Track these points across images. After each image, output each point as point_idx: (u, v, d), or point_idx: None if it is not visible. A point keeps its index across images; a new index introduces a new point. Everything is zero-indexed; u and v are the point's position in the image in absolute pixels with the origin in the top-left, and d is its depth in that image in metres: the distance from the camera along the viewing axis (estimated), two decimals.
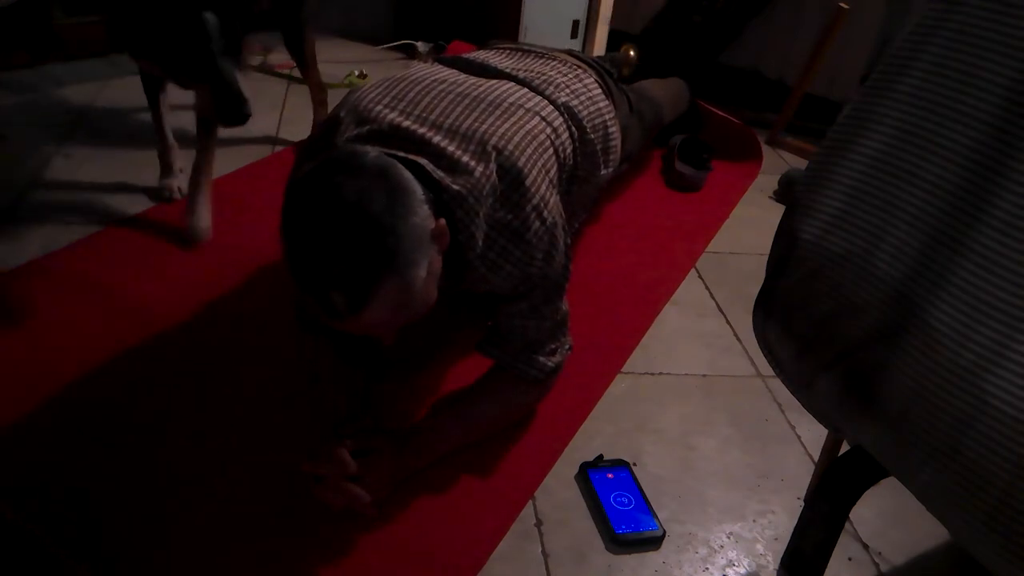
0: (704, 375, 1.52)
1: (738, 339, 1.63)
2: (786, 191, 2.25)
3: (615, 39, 2.97)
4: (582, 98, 1.44)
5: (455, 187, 1.09)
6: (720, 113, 2.41)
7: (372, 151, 1.03)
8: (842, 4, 2.33)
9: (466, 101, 1.22)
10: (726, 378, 1.52)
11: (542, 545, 1.13)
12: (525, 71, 1.42)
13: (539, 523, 1.17)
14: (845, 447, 1.02)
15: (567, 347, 1.29)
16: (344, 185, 0.95)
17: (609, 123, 1.51)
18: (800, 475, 1.30)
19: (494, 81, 1.32)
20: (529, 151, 1.19)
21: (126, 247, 1.67)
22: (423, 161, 1.08)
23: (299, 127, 2.29)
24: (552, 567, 1.10)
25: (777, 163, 2.48)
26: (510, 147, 1.16)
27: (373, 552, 1.08)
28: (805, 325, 0.83)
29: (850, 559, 1.17)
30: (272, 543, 1.08)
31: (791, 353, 0.87)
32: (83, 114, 2.24)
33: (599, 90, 1.52)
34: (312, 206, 0.97)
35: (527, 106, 1.26)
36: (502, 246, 1.14)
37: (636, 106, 1.77)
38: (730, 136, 2.38)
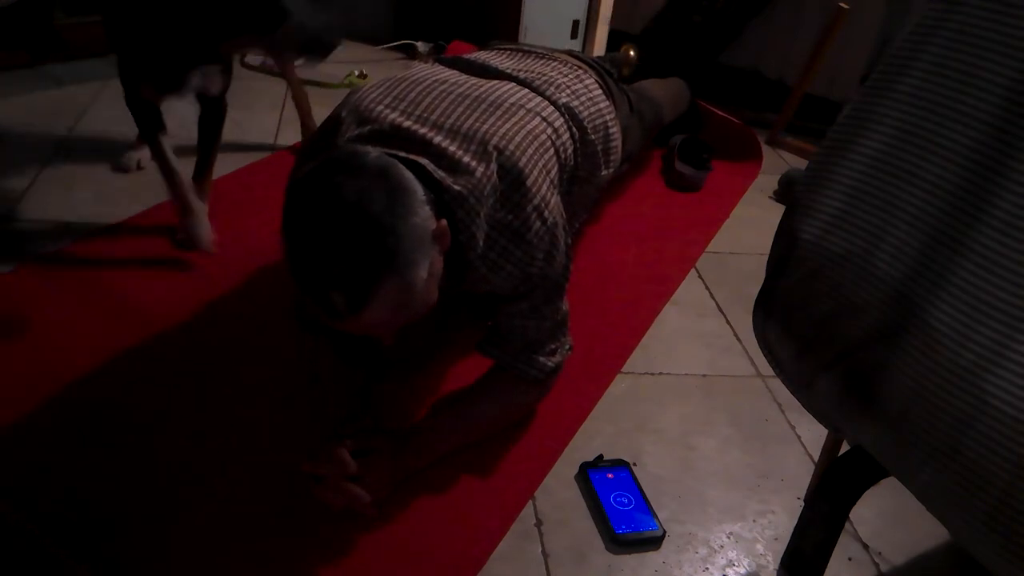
0: (704, 375, 1.52)
1: (738, 339, 1.63)
2: (786, 191, 2.25)
3: (615, 39, 2.97)
4: (583, 99, 1.44)
5: (456, 187, 1.09)
6: (720, 113, 2.41)
7: (373, 151, 1.03)
8: (842, 4, 2.33)
9: (467, 102, 1.22)
10: (726, 378, 1.52)
11: (542, 545, 1.13)
12: (526, 72, 1.42)
13: (539, 523, 1.17)
14: (845, 447, 1.02)
15: (567, 347, 1.29)
16: (344, 185, 0.95)
17: (610, 123, 1.51)
18: (800, 475, 1.30)
19: (495, 82, 1.32)
20: (530, 151, 1.19)
21: (126, 247, 1.67)
22: (424, 161, 1.08)
23: (298, 127, 2.29)
24: (552, 567, 1.10)
25: (777, 163, 2.48)
26: (511, 147, 1.16)
27: (373, 552, 1.08)
28: (805, 325, 0.83)
29: (850, 559, 1.17)
30: (272, 543, 1.08)
31: (791, 353, 0.87)
32: (83, 114, 2.24)
33: (600, 91, 1.52)
34: (312, 206, 0.97)
35: (528, 107, 1.26)
36: (503, 246, 1.14)
37: (636, 106, 1.77)
38: (730, 136, 2.38)
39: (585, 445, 1.31)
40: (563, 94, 1.40)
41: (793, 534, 0.95)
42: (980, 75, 0.67)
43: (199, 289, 1.56)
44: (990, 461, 0.65)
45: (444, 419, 1.25)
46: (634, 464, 1.28)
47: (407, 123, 1.16)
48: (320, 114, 1.33)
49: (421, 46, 2.97)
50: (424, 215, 1.00)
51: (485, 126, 1.17)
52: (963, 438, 0.67)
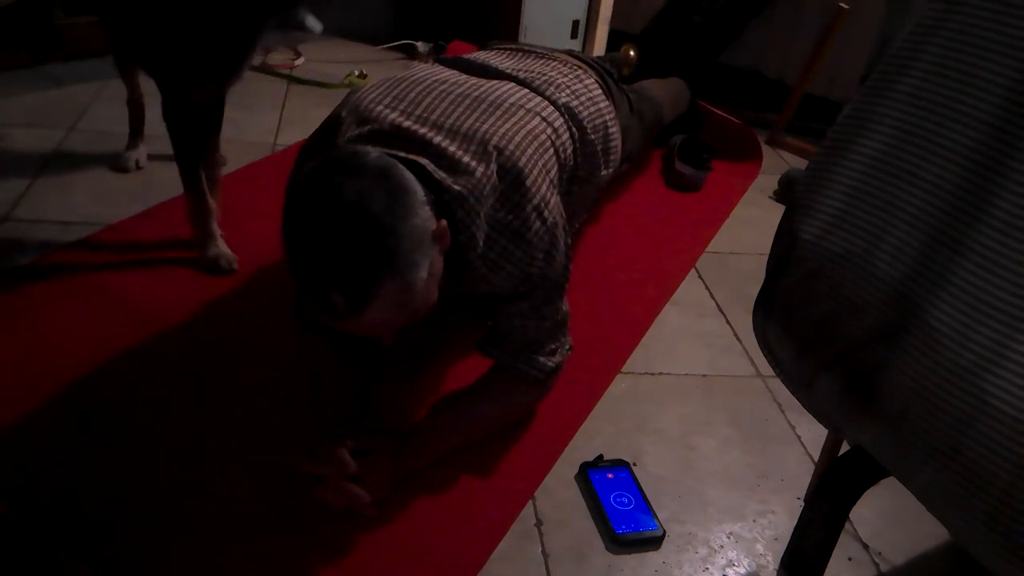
0: (704, 375, 1.52)
1: (738, 339, 1.63)
2: (786, 191, 2.25)
3: (615, 39, 2.97)
4: (582, 99, 1.44)
5: (456, 187, 1.09)
6: (720, 113, 2.41)
7: (373, 151, 1.03)
8: (842, 4, 2.33)
9: (467, 102, 1.22)
10: (726, 378, 1.52)
11: (542, 545, 1.13)
12: (526, 72, 1.42)
13: (539, 523, 1.17)
14: (845, 447, 1.02)
15: (567, 347, 1.29)
16: (344, 185, 0.95)
17: (609, 123, 1.51)
18: (800, 475, 1.30)
19: (495, 82, 1.32)
20: (530, 151, 1.19)
21: (126, 247, 1.67)
22: (424, 161, 1.08)
23: (299, 127, 2.29)
24: (552, 567, 1.10)
25: (777, 163, 2.48)
26: (511, 147, 1.16)
27: (373, 552, 1.08)
28: (805, 325, 0.83)
29: (850, 559, 1.17)
30: (272, 543, 1.08)
31: (791, 353, 0.87)
32: (83, 114, 2.24)
33: (599, 91, 1.52)
34: (313, 206, 0.97)
35: (528, 107, 1.26)
36: (503, 246, 1.14)
37: (636, 106, 1.77)
38: (730, 136, 2.38)
39: (585, 445, 1.31)
40: (563, 94, 1.40)
41: (793, 534, 0.95)
42: (980, 75, 0.67)
43: (199, 289, 1.56)
44: (990, 461, 0.65)
45: (444, 419, 1.25)
46: (634, 464, 1.28)
47: (407, 123, 1.16)
48: (320, 114, 1.33)
49: (421, 46, 2.96)
50: (424, 215, 1.00)
51: (485, 126, 1.17)
52: (963, 438, 0.67)
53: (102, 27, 1.86)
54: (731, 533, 1.19)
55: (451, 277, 1.13)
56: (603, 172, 1.53)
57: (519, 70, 1.43)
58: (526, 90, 1.32)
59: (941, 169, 0.70)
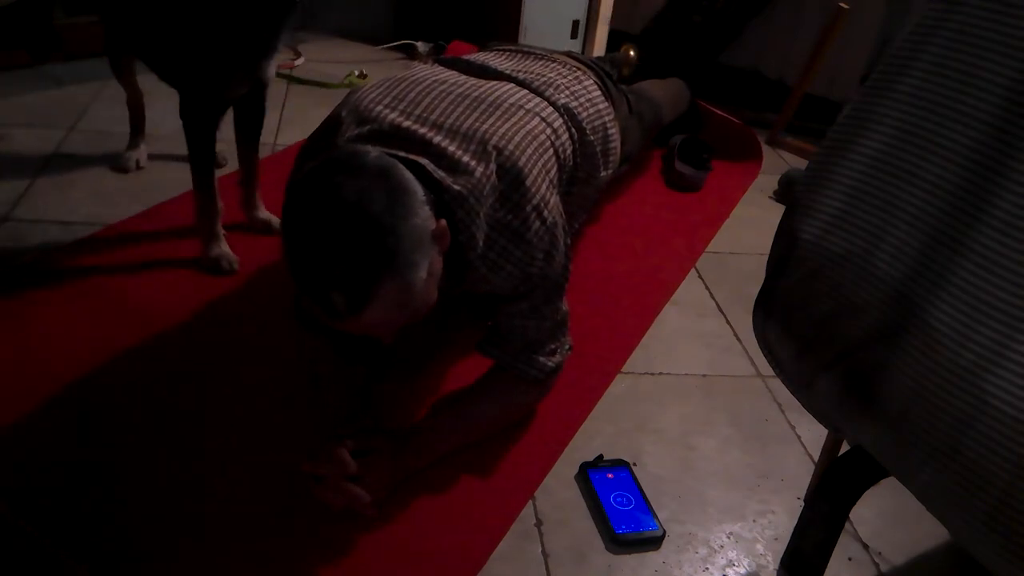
0: (704, 375, 1.52)
1: (738, 339, 1.63)
2: (786, 191, 2.25)
3: (615, 39, 2.97)
4: (582, 100, 1.44)
5: (456, 187, 1.09)
6: (720, 113, 2.41)
7: (373, 151, 1.03)
8: (842, 4, 2.33)
9: (467, 102, 1.22)
10: (726, 378, 1.52)
11: (542, 545, 1.13)
12: (525, 72, 1.43)
13: (539, 523, 1.17)
14: (845, 447, 1.02)
15: (567, 347, 1.29)
16: (344, 185, 0.95)
17: (609, 124, 1.51)
18: (800, 475, 1.30)
19: (494, 82, 1.32)
20: (529, 151, 1.19)
21: (126, 247, 1.67)
22: (424, 161, 1.08)
23: (299, 127, 2.29)
24: (552, 567, 1.10)
25: (777, 163, 2.48)
26: (510, 147, 1.16)
27: (373, 552, 1.08)
28: (805, 325, 0.83)
29: (850, 559, 1.17)
30: (272, 543, 1.08)
31: (791, 353, 0.87)
32: (84, 114, 2.24)
33: (599, 92, 1.52)
34: (312, 206, 0.97)
35: (527, 107, 1.26)
36: (502, 246, 1.14)
37: (635, 107, 1.77)
38: (730, 136, 2.38)
39: (585, 445, 1.31)
40: (562, 95, 1.40)
41: (793, 534, 0.95)
42: (980, 75, 0.67)
43: (199, 289, 1.56)
44: (990, 461, 0.65)
45: (444, 419, 1.25)
46: (634, 464, 1.28)
47: (407, 123, 1.16)
48: (320, 114, 1.33)
49: (421, 46, 2.97)
50: (424, 215, 1.00)
51: (484, 126, 1.17)
52: (963, 438, 0.67)
53: (103, 28, 1.87)
54: (731, 533, 1.19)
55: (451, 277, 1.13)
56: (602, 173, 1.53)
57: (518, 71, 1.43)
58: (525, 91, 1.32)
59: (941, 169, 0.70)
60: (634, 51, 2.66)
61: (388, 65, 2.87)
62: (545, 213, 1.17)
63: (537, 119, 1.26)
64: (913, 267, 0.71)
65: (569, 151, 1.35)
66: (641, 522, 1.17)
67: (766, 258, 0.89)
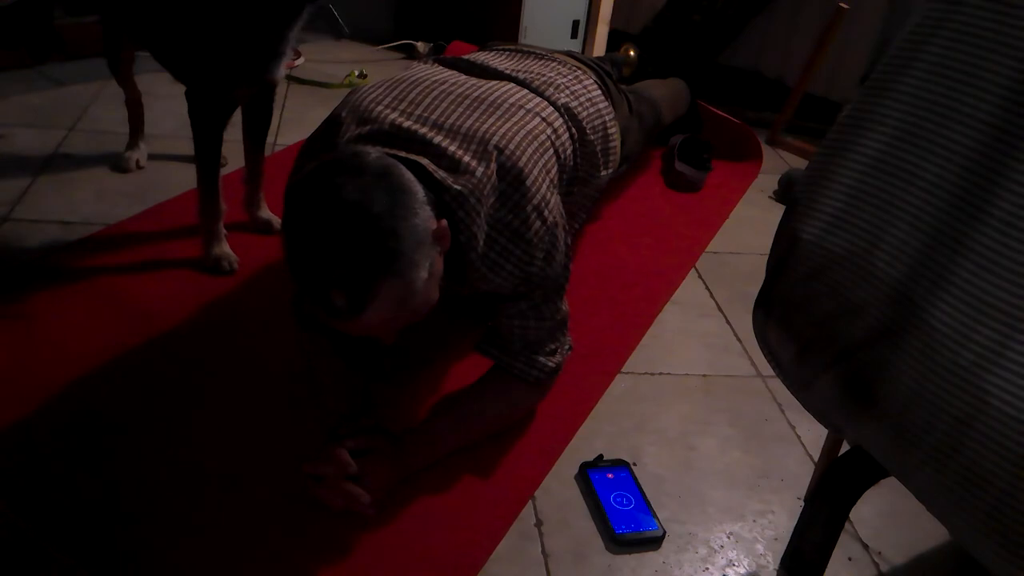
0: (704, 375, 1.52)
1: (738, 339, 1.63)
2: (786, 191, 2.25)
3: (615, 39, 2.98)
4: (582, 99, 1.44)
5: (456, 187, 1.09)
6: (720, 113, 2.41)
7: (374, 151, 1.03)
8: (842, 4, 2.33)
9: (467, 102, 1.22)
10: (726, 378, 1.52)
11: (542, 545, 1.13)
12: (525, 72, 1.43)
13: (539, 523, 1.17)
14: (845, 447, 1.02)
15: (567, 347, 1.29)
16: (345, 185, 0.95)
17: (609, 124, 1.51)
18: (800, 475, 1.30)
19: (494, 82, 1.32)
20: (530, 151, 1.19)
21: (126, 247, 1.67)
22: (424, 161, 1.08)
23: (299, 127, 2.29)
24: (552, 567, 1.10)
25: (777, 163, 2.48)
26: (511, 147, 1.16)
27: (373, 552, 1.08)
28: (805, 325, 0.83)
29: (850, 559, 1.17)
30: (272, 543, 1.08)
31: (791, 353, 0.87)
32: (83, 114, 2.24)
33: (599, 92, 1.52)
34: (313, 206, 0.97)
35: (528, 107, 1.26)
36: (503, 246, 1.14)
37: (635, 108, 1.77)
38: (730, 136, 2.38)
39: (585, 445, 1.31)
40: (562, 95, 1.40)
41: (793, 534, 0.95)
42: (980, 75, 0.67)
43: (199, 289, 1.56)
44: (990, 461, 0.65)
45: (444, 419, 1.25)
46: (634, 464, 1.28)
47: (407, 123, 1.16)
48: (320, 114, 1.33)
49: (421, 46, 2.97)
50: (424, 216, 1.00)
51: (485, 126, 1.17)
52: (963, 438, 0.67)
53: (102, 27, 1.87)
54: (731, 533, 1.19)
55: (451, 277, 1.13)
56: (602, 173, 1.53)
57: (518, 71, 1.43)
58: (526, 91, 1.32)
59: (941, 169, 0.70)
60: (634, 51, 2.66)
61: (388, 65, 2.87)
62: (546, 213, 1.17)
63: (538, 119, 1.26)
64: (913, 267, 0.71)
65: (569, 151, 1.35)
66: (641, 522, 1.17)
67: (766, 258, 0.89)
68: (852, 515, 1.17)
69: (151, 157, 2.02)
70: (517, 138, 1.18)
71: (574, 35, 2.89)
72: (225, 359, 1.39)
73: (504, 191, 1.14)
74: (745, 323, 1.66)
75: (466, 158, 1.12)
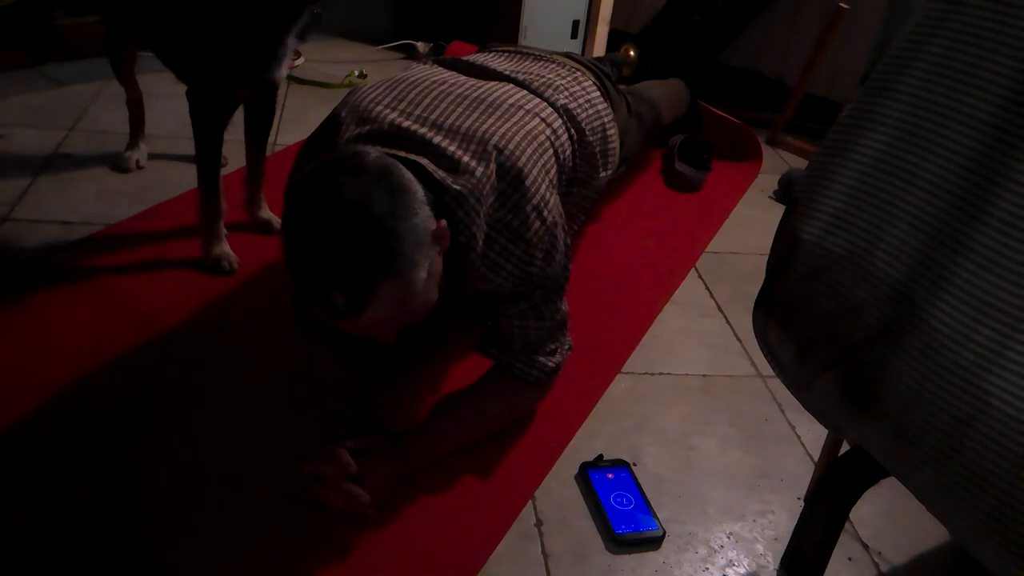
0: (704, 375, 1.52)
1: (738, 339, 1.63)
2: (786, 191, 2.25)
3: (615, 39, 2.98)
4: (580, 101, 1.44)
5: (456, 187, 1.09)
6: (720, 113, 2.41)
7: (373, 151, 1.03)
8: (842, 4, 2.33)
9: (466, 102, 1.22)
10: (726, 378, 1.52)
11: (542, 545, 1.13)
12: (524, 73, 1.43)
13: (539, 523, 1.17)
14: (845, 447, 1.02)
15: (567, 347, 1.29)
16: (346, 185, 0.95)
17: (607, 125, 1.51)
18: (800, 475, 1.30)
19: (494, 83, 1.32)
20: (529, 151, 1.19)
21: (126, 247, 1.67)
22: (424, 161, 1.08)
23: (299, 127, 2.29)
24: (552, 567, 1.10)
25: (777, 163, 2.48)
26: (511, 147, 1.16)
27: (373, 552, 1.08)
28: (805, 325, 0.83)
29: (850, 559, 1.17)
30: (272, 543, 1.08)
31: (791, 353, 0.87)
32: (83, 114, 2.24)
33: (597, 93, 1.52)
34: (313, 206, 0.97)
35: (527, 107, 1.27)
36: (502, 246, 1.14)
37: (634, 109, 1.77)
38: (730, 136, 2.38)
39: (585, 445, 1.31)
40: (561, 96, 1.40)
41: (793, 534, 0.95)
42: (980, 75, 0.67)
43: (199, 289, 1.56)
44: (990, 461, 0.65)
45: (444, 419, 1.25)
46: (634, 464, 1.28)
47: (407, 123, 1.16)
48: (320, 114, 1.33)
49: (421, 46, 2.97)
50: (424, 216, 1.00)
51: (484, 126, 1.17)
52: (963, 438, 0.67)
53: (106, 27, 1.87)
54: (731, 533, 1.19)
55: (451, 277, 1.13)
56: (601, 174, 1.53)
57: (518, 72, 1.43)
58: (525, 91, 1.32)
59: (941, 169, 0.70)
60: (634, 51, 2.66)
61: (388, 65, 2.87)
62: (545, 213, 1.17)
63: (537, 119, 1.26)
64: (913, 267, 0.71)
65: (568, 152, 1.35)
66: (641, 522, 1.17)
67: (766, 258, 0.89)
68: (852, 515, 1.17)
69: (151, 157, 2.02)
70: (517, 138, 1.18)
71: (574, 35, 2.89)
72: (225, 359, 1.39)
73: (503, 191, 1.14)
74: (745, 323, 1.66)
75: (465, 158, 1.12)
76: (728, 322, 1.69)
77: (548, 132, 1.27)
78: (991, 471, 0.65)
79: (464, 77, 1.32)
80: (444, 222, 1.03)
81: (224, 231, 1.64)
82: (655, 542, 1.15)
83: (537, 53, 1.56)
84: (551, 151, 1.26)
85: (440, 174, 1.08)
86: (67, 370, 1.32)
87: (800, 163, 2.46)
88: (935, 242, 0.69)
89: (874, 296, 0.74)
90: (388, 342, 1.08)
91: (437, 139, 1.13)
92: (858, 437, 0.85)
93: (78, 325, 1.43)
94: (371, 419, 1.24)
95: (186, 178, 1.86)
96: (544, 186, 1.19)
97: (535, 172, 1.18)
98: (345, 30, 3.11)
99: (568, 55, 1.61)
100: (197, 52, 1.49)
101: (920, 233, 0.71)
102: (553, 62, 1.53)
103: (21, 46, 2.41)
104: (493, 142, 1.15)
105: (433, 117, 1.18)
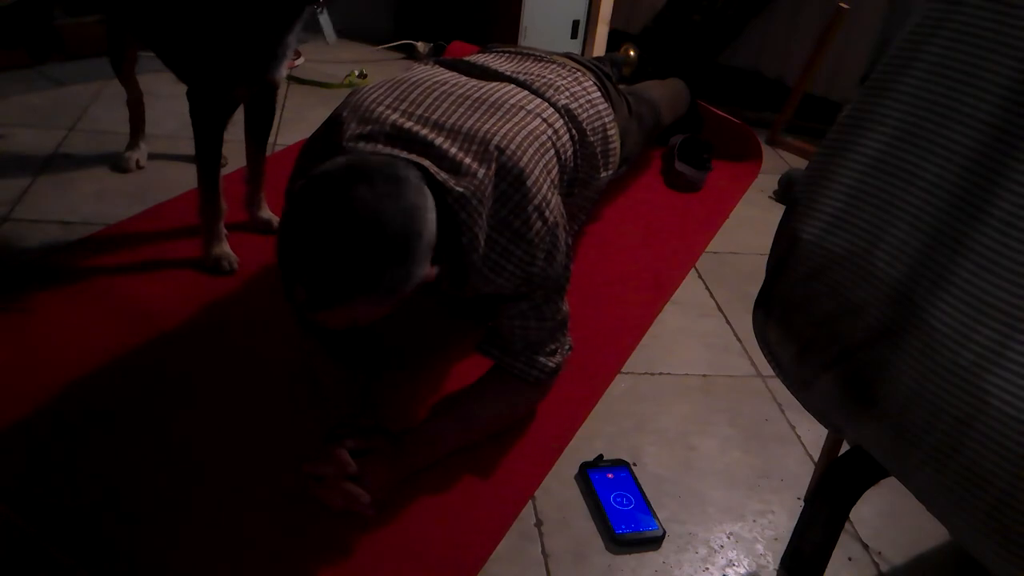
0: (704, 375, 1.52)
1: (738, 339, 1.63)
2: (786, 191, 2.25)
3: (615, 39, 2.98)
4: (581, 101, 1.45)
5: (459, 189, 1.09)
6: (720, 113, 2.41)
7: (385, 155, 1.03)
8: (842, 4, 2.33)
9: (468, 102, 1.22)
10: (726, 378, 1.52)
11: (542, 545, 1.13)
12: (525, 74, 1.43)
13: (539, 523, 1.17)
14: (845, 447, 1.02)
15: (567, 347, 1.29)
16: (359, 198, 0.96)
17: (608, 126, 1.52)
18: (800, 475, 1.30)
19: (495, 83, 1.32)
20: (531, 151, 1.19)
21: (126, 247, 1.67)
22: (427, 163, 1.08)
23: (299, 127, 2.29)
24: (552, 567, 1.10)
25: (777, 163, 2.48)
26: (512, 147, 1.16)
27: (373, 552, 1.08)
28: (805, 325, 0.83)
29: (850, 559, 1.17)
30: (272, 543, 1.08)
31: (791, 353, 0.87)
32: (83, 114, 2.24)
33: (598, 93, 1.52)
34: (321, 213, 0.96)
35: (528, 108, 1.27)
36: (503, 246, 1.14)
37: (635, 109, 1.77)
38: (730, 136, 2.38)
39: (585, 445, 1.31)
40: (562, 96, 1.40)
41: (793, 534, 0.95)
42: (980, 75, 0.67)
43: (199, 289, 1.56)
44: (990, 460, 0.65)
45: (444, 419, 1.25)
46: (634, 464, 1.28)
47: (408, 124, 1.16)
48: (320, 114, 1.33)
49: (421, 46, 2.97)
50: (430, 233, 1.00)
51: (486, 126, 1.17)
52: (963, 438, 0.67)
53: (107, 27, 1.87)
54: (731, 533, 1.19)
55: (453, 279, 1.13)
56: (602, 174, 1.53)
57: (519, 72, 1.43)
58: (526, 92, 1.32)
59: (941, 169, 0.70)
60: (634, 51, 2.66)
61: (388, 65, 2.87)
62: (547, 213, 1.17)
63: (538, 120, 1.26)
64: (913, 267, 0.71)
65: (570, 152, 1.35)
66: (641, 522, 1.17)
67: (766, 258, 0.89)
68: (852, 515, 1.17)
69: (151, 157, 2.03)
70: (518, 139, 1.18)
71: (574, 35, 2.89)
72: (225, 359, 1.39)
73: (505, 191, 1.14)
74: (745, 323, 1.66)
75: (467, 160, 1.12)
76: (728, 322, 1.69)
77: (550, 132, 1.27)
78: (991, 471, 0.65)
79: (466, 78, 1.32)
80: (435, 269, 1.04)
81: (224, 231, 1.64)
82: (655, 542, 1.15)
83: (538, 54, 1.56)
84: (553, 151, 1.26)
85: (442, 176, 1.08)
86: (67, 370, 1.32)
87: (800, 163, 2.46)
88: (935, 242, 0.69)
89: (874, 296, 0.74)
90: (362, 323, 1.09)
91: (439, 140, 1.13)
92: (858, 437, 0.85)
93: (78, 325, 1.43)
94: (371, 419, 1.24)
95: (186, 178, 1.86)
96: (546, 186, 1.19)
97: (537, 172, 1.18)
98: (345, 30, 3.11)
99: (569, 56, 1.61)
100: (197, 52, 1.49)
101: (920, 233, 0.71)
102: (554, 63, 1.53)
103: (21, 46, 2.41)
104: (495, 142, 1.15)
105: (435, 117, 1.18)
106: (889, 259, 0.73)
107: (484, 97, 1.24)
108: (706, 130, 2.37)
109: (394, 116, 1.18)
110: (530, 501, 1.20)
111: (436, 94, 1.23)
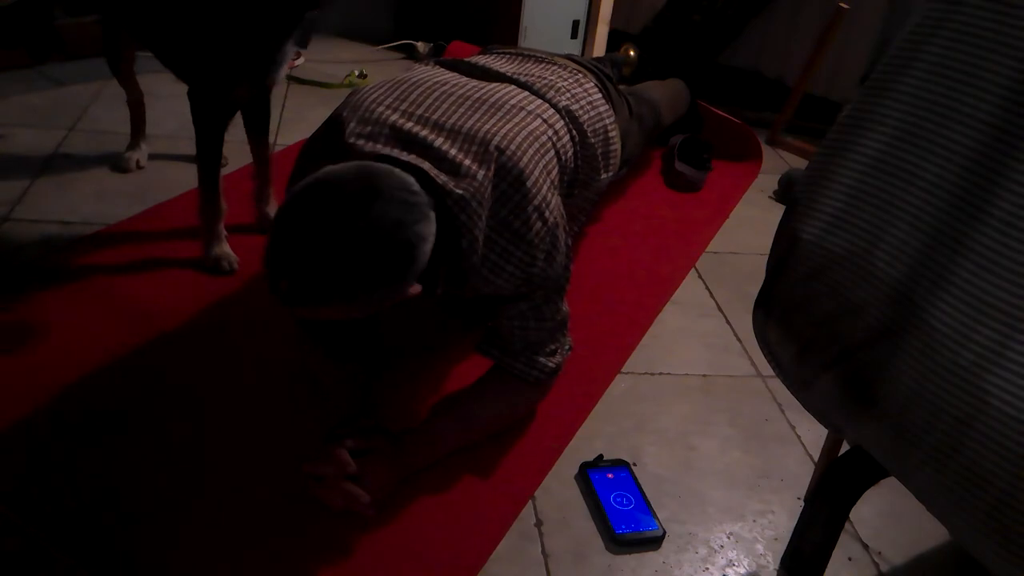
0: (704, 375, 1.52)
1: (738, 339, 1.63)
2: (786, 191, 2.25)
3: (615, 39, 2.98)
4: (582, 102, 1.45)
5: (459, 191, 1.09)
6: (720, 113, 2.41)
7: (412, 183, 1.02)
8: (842, 4, 2.33)
9: (468, 103, 1.22)
10: (726, 378, 1.52)
11: (542, 545, 1.13)
12: (526, 75, 1.43)
13: (539, 523, 1.17)
14: (845, 447, 1.03)
15: (567, 348, 1.29)
16: (373, 209, 0.95)
17: (609, 127, 1.51)
18: (800, 475, 1.30)
19: (496, 84, 1.32)
20: (531, 152, 1.19)
21: (126, 247, 1.67)
22: (426, 166, 1.08)
23: (299, 127, 2.29)
24: (552, 567, 1.10)
25: (777, 163, 2.48)
26: (512, 147, 1.16)
27: (373, 552, 1.08)
28: (805, 325, 0.83)
29: (850, 559, 1.17)
30: (272, 543, 1.08)
31: (791, 353, 0.87)
32: (83, 114, 2.24)
33: (599, 94, 1.52)
34: (328, 213, 0.96)
35: (529, 108, 1.26)
36: (503, 247, 1.14)
37: (635, 110, 1.77)
38: (730, 136, 2.38)
39: (585, 445, 1.31)
40: (563, 97, 1.40)
41: (793, 534, 0.95)
42: (980, 75, 0.67)
43: (199, 289, 1.56)
44: (990, 460, 0.65)
45: (444, 420, 1.25)
46: (634, 464, 1.28)
47: (408, 124, 1.16)
48: (320, 114, 1.33)
49: (421, 46, 2.97)
50: (426, 249, 1.00)
51: (486, 127, 1.17)
52: (963, 438, 0.67)
53: (103, 27, 1.87)
54: (731, 533, 1.19)
55: (453, 281, 1.13)
56: (602, 176, 1.53)
57: (519, 73, 1.43)
58: (527, 93, 1.32)
59: (941, 169, 0.70)
60: (634, 51, 2.66)
61: (388, 65, 2.87)
62: (547, 214, 1.17)
63: (539, 120, 1.26)
64: (913, 267, 0.71)
65: (570, 153, 1.35)
66: (641, 522, 1.17)
67: (766, 258, 0.89)
68: (852, 515, 1.17)
69: (152, 157, 2.03)
70: (518, 139, 1.18)
71: (574, 35, 2.89)
72: (225, 359, 1.39)
73: (505, 191, 1.14)
74: (745, 323, 1.66)
75: (467, 161, 1.12)
76: (728, 322, 1.69)
77: (550, 133, 1.27)
78: (991, 471, 0.65)
79: (466, 78, 1.32)
80: (418, 287, 1.03)
81: (224, 231, 1.64)
82: (655, 542, 1.15)
83: (539, 55, 1.56)
84: (553, 152, 1.26)
85: (442, 178, 1.08)
86: (67, 370, 1.32)
87: (800, 163, 2.46)
88: (935, 242, 0.69)
89: (874, 296, 0.74)
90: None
91: (439, 141, 1.13)
92: (858, 437, 0.85)
93: (78, 325, 1.43)
94: (371, 419, 1.24)
95: (186, 178, 1.86)
96: (546, 187, 1.19)
97: (536, 173, 1.18)
98: (345, 30, 3.11)
99: (570, 57, 1.61)
100: (197, 53, 1.49)
101: (920, 233, 0.71)
102: (555, 64, 1.53)
103: (21, 46, 2.41)
104: (495, 143, 1.15)
105: (435, 118, 1.18)
106: (889, 259, 0.73)
107: (484, 98, 1.24)
108: (706, 130, 2.37)
109: (394, 116, 1.18)
110: (530, 501, 1.20)
111: (436, 94, 1.23)
